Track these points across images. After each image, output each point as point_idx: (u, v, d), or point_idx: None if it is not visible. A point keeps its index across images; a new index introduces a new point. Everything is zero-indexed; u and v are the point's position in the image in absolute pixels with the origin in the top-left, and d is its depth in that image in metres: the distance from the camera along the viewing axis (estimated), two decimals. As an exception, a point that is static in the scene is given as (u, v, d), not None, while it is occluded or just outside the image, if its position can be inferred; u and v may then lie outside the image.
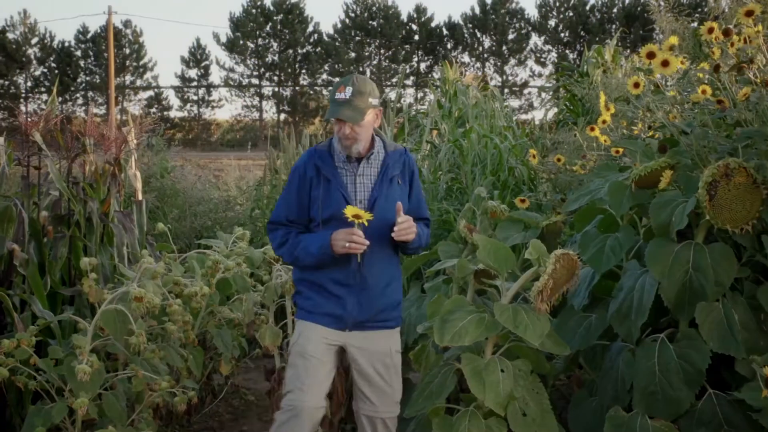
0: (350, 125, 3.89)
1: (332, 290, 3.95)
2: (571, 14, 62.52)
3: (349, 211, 3.71)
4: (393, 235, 3.85)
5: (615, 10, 61.13)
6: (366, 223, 3.74)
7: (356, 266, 3.90)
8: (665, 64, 3.76)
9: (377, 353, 4.02)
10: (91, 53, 63.55)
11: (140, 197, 7.11)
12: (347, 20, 65.22)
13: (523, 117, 55.73)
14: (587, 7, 62.01)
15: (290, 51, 65.30)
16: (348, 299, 3.94)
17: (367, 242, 3.79)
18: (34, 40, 62.77)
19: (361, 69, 64.74)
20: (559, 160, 5.98)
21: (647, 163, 3.79)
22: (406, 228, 3.86)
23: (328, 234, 3.85)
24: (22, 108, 55.12)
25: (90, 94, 63.42)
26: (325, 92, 66.45)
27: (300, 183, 4.02)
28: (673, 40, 3.88)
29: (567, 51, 62.41)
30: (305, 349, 3.95)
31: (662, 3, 5.27)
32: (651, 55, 3.80)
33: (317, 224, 3.98)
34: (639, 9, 57.17)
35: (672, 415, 3.39)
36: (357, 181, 3.98)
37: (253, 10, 64.28)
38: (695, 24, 5.40)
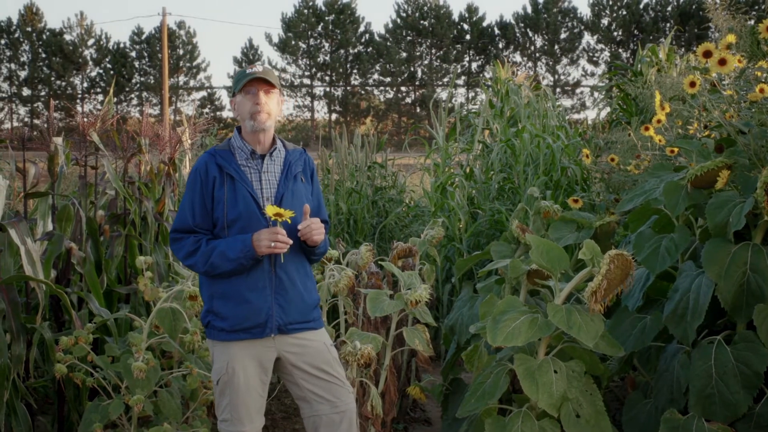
0: (266, 95, 3.78)
1: (248, 297, 3.72)
2: (624, 13, 61.77)
3: (270, 210, 3.57)
4: (299, 234, 3.71)
5: (669, 8, 60.27)
6: (289, 221, 3.60)
7: (269, 267, 3.73)
8: (722, 62, 3.72)
9: (315, 351, 3.84)
10: (145, 54, 64.30)
11: (194, 197, 7.18)
12: (398, 20, 65.12)
13: (576, 116, 55.46)
14: (641, 6, 61.25)
15: (342, 51, 65.42)
16: (267, 302, 3.73)
17: (291, 241, 3.64)
18: (90, 42, 63.67)
19: (412, 69, 64.75)
20: (612, 159, 5.93)
21: (704, 163, 3.75)
22: (315, 229, 3.74)
23: (248, 236, 3.65)
24: (79, 108, 55.94)
25: (144, 94, 64.19)
26: (376, 92, 66.66)
27: (203, 184, 3.78)
28: (731, 38, 3.82)
29: (620, 50, 61.70)
30: (233, 378, 3.74)
31: (718, 0, 5.20)
32: (707, 54, 3.75)
33: (222, 227, 3.76)
34: (694, 7, 56.40)
35: (729, 418, 3.35)
36: (262, 178, 3.81)
37: (305, 11, 64.50)
38: (752, 22, 5.31)
